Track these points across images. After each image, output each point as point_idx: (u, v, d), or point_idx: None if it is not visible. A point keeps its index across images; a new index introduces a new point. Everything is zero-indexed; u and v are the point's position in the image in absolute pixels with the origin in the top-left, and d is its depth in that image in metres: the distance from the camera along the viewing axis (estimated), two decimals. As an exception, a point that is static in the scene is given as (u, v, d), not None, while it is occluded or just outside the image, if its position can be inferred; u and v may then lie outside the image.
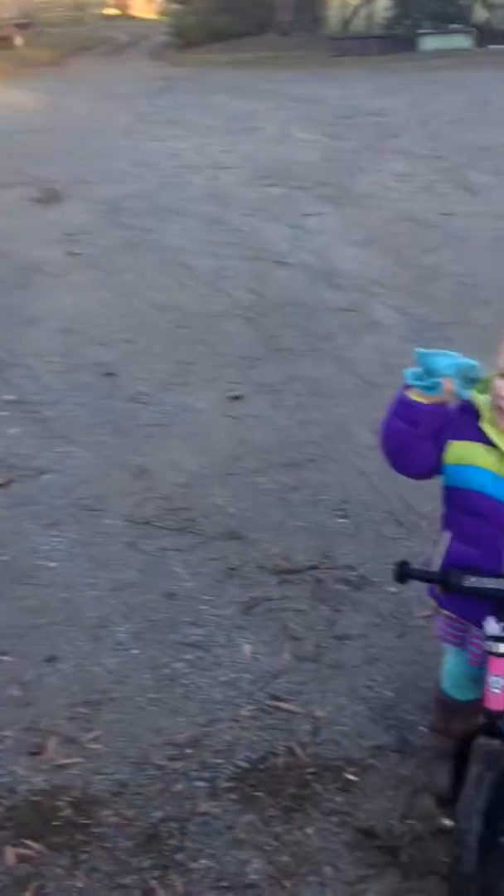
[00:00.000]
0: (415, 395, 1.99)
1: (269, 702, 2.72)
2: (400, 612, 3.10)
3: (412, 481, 3.83)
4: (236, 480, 4.01)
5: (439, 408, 2.01)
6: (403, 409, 2.03)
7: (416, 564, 2.13)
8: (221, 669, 2.87)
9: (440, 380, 1.92)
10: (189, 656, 2.93)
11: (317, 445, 4.29)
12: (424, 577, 2.14)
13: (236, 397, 4.83)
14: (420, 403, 1.99)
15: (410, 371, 1.98)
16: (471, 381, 1.97)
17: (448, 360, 1.93)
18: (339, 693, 2.75)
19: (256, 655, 2.92)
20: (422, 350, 1.95)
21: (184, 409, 4.73)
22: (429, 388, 1.95)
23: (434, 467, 2.11)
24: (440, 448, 2.08)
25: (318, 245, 7.46)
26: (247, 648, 2.95)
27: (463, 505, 2.12)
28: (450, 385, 1.93)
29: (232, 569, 3.38)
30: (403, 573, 2.11)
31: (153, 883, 2.16)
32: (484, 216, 8.01)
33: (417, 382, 1.96)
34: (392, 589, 3.21)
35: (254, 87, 17.32)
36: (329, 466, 4.10)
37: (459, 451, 2.06)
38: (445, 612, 2.27)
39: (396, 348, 5.30)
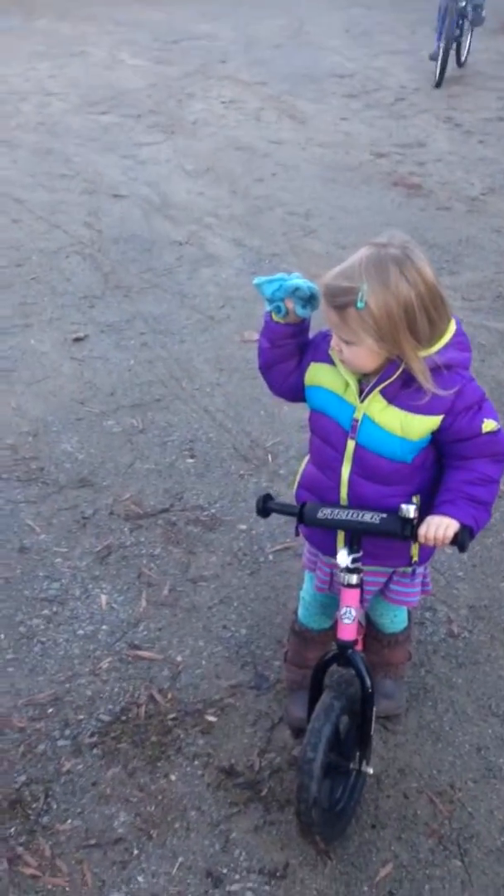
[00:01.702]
0: (274, 316, 1.98)
1: (128, 651, 2.62)
2: (252, 550, 3.04)
3: (256, 417, 3.84)
4: (84, 425, 3.81)
5: (292, 328, 1.99)
6: (267, 329, 2.03)
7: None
8: (79, 623, 2.73)
9: (281, 303, 1.91)
10: (45, 612, 2.78)
11: (162, 385, 4.12)
12: (284, 510, 2.09)
13: (79, 338, 4.57)
14: (276, 323, 1.99)
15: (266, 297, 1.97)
16: (308, 300, 1.93)
17: (275, 284, 1.91)
18: (196, 636, 2.68)
19: (113, 605, 2.80)
20: (256, 279, 1.94)
21: (27, 353, 4.43)
22: (277, 311, 1.95)
23: (300, 389, 2.07)
24: (303, 370, 2.04)
25: (152, 176, 7.09)
26: (103, 599, 2.82)
27: (314, 427, 2.07)
28: (290, 305, 1.92)
29: (85, 518, 3.22)
30: (266, 507, 2.06)
31: (20, 850, 2.05)
32: (310, 144, 7.84)
33: (268, 306, 1.96)
34: (243, 527, 3.14)
35: (78, 11, 16.16)
36: (175, 405, 3.95)
37: (313, 372, 2.02)
38: (304, 536, 2.22)
39: (234, 281, 5.15)
